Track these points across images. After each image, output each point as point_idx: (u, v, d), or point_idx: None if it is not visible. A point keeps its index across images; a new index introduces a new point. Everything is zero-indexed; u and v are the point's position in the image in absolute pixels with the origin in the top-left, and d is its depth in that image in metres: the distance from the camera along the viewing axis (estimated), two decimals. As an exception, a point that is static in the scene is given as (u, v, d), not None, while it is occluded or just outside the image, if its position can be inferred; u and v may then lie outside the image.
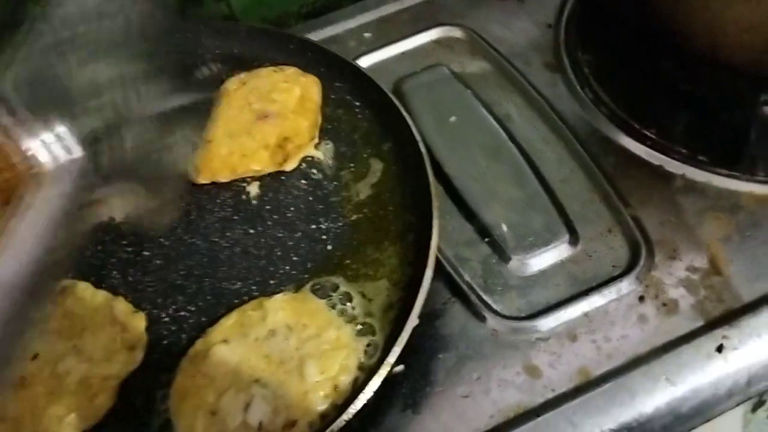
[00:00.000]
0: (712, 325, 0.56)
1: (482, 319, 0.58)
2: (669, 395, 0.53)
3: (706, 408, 0.54)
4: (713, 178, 0.64)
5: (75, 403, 0.49)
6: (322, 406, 0.49)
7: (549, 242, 0.61)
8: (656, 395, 0.53)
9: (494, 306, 0.58)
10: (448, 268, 0.60)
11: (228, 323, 0.53)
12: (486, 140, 0.69)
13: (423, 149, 0.62)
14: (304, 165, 0.64)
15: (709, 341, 0.55)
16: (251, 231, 0.60)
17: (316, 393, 0.49)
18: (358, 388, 0.49)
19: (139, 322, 0.55)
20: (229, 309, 0.55)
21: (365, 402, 0.49)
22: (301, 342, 0.51)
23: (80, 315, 0.54)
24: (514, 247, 0.61)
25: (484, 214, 0.63)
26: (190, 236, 0.60)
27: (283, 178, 0.64)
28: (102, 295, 0.56)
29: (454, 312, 0.59)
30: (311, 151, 0.64)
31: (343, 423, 0.48)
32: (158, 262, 0.59)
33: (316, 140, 0.65)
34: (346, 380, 0.50)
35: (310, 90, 0.67)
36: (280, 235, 0.60)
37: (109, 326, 0.54)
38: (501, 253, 0.61)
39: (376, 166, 0.64)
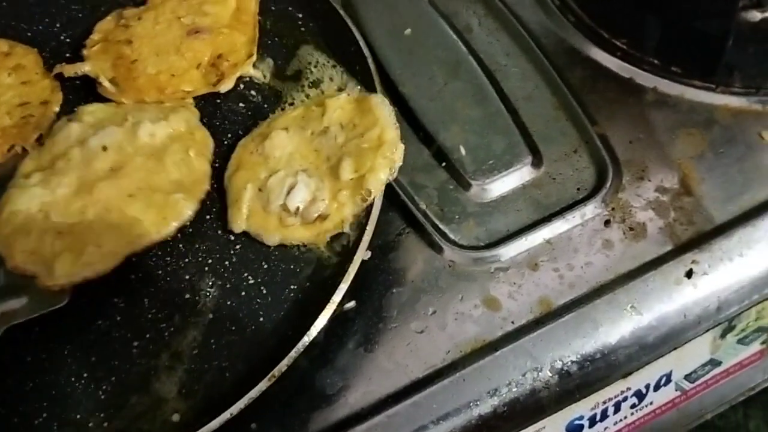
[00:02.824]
0: (681, 249, 0.53)
1: (438, 249, 0.54)
2: (634, 324, 0.50)
3: (674, 336, 0.52)
4: (686, 91, 0.59)
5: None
6: (349, 209, 0.50)
7: (510, 165, 0.57)
8: (621, 325, 0.50)
9: (451, 235, 0.54)
10: (403, 196, 0.56)
11: (293, 114, 0.55)
12: (444, 55, 0.63)
13: (372, 66, 0.56)
14: (241, 86, 0.58)
15: (677, 266, 0.52)
16: (184, 160, 0.55)
17: (348, 191, 0.50)
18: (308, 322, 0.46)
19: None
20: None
21: (312, 340, 0.46)
22: (347, 140, 0.52)
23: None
24: (473, 172, 0.57)
25: (441, 137, 0.58)
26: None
27: (218, 101, 0.57)
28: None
29: (409, 243, 0.55)
30: (249, 71, 0.58)
31: (290, 362, 0.45)
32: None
33: (254, 58, 0.58)
34: (373, 188, 0.50)
35: (246, 1, 0.60)
36: (217, 165, 0.54)
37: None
38: (459, 178, 0.57)
39: (322, 87, 0.58)
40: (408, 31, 0.65)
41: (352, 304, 0.52)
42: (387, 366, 0.50)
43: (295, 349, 0.44)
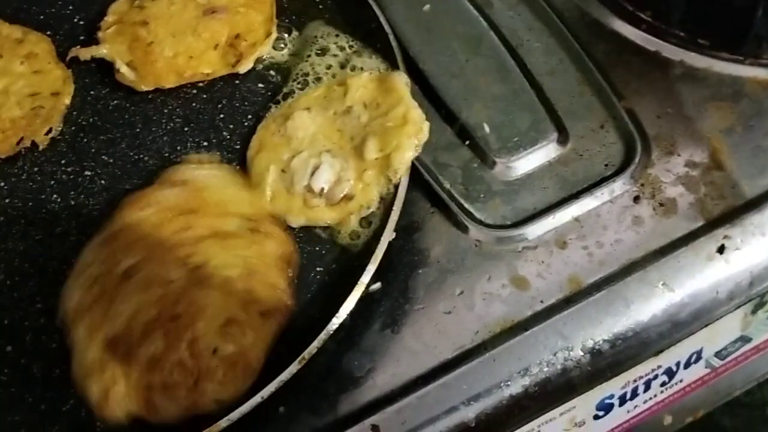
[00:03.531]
0: (712, 224, 0.52)
1: (464, 229, 0.53)
2: (666, 301, 0.50)
3: (706, 312, 0.51)
4: (714, 64, 0.58)
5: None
6: (375, 189, 0.49)
7: (535, 142, 0.56)
8: (652, 302, 0.49)
9: (477, 215, 0.54)
10: (426, 176, 0.55)
11: (314, 94, 0.54)
12: (465, 30, 0.62)
13: (394, 43, 0.55)
14: (260, 66, 0.57)
15: (709, 242, 0.51)
16: (205, 143, 0.54)
17: (373, 171, 0.49)
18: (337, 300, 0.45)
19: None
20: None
21: (340, 324, 0.45)
22: (371, 120, 0.51)
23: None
24: (498, 150, 0.56)
25: (464, 115, 0.57)
26: (137, 152, 0.54)
27: (237, 81, 0.57)
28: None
29: (434, 223, 0.54)
30: (267, 50, 0.57)
31: (320, 345, 0.44)
32: (103, 182, 0.53)
33: (273, 37, 0.57)
34: (399, 166, 0.49)
35: (263, -21, 0.58)
36: (238, 146, 0.53)
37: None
38: (483, 156, 0.56)
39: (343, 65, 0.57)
40: (427, 7, 0.63)
41: (377, 285, 0.51)
42: (415, 347, 0.49)
43: (325, 331, 0.44)
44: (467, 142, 0.57)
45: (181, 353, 0.44)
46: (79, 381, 0.45)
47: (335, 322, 0.44)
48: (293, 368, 0.43)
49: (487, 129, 0.57)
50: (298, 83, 0.56)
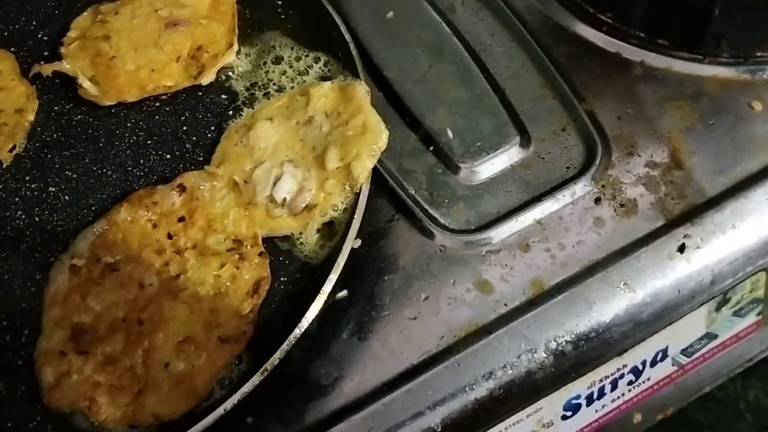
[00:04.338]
0: (673, 224, 0.52)
1: (429, 235, 0.53)
2: (628, 301, 0.50)
3: (668, 312, 0.51)
4: (674, 63, 0.59)
5: None
6: (337, 198, 0.50)
7: (498, 146, 0.56)
8: (614, 302, 0.50)
9: (441, 220, 0.54)
10: (392, 183, 0.55)
11: (277, 104, 0.54)
12: (428, 36, 0.62)
13: (354, 51, 0.55)
14: (222, 77, 0.57)
15: (670, 241, 0.51)
16: (168, 156, 0.54)
17: (334, 180, 0.50)
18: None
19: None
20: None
21: (307, 332, 0.46)
22: (332, 129, 0.52)
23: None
24: (462, 155, 0.56)
25: (428, 121, 0.58)
26: (100, 167, 0.54)
27: (200, 93, 0.57)
28: None
29: (399, 229, 0.54)
30: (230, 61, 0.57)
31: (282, 356, 0.44)
32: (67, 198, 0.53)
33: (235, 48, 0.57)
34: (359, 175, 0.49)
35: (224, -10, 0.59)
36: (201, 159, 0.54)
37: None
38: (447, 161, 0.56)
39: (305, 74, 0.57)
40: (390, 14, 0.64)
41: (344, 293, 0.51)
42: (381, 354, 0.50)
43: (287, 342, 0.44)
44: (431, 148, 0.57)
45: (135, 359, 0.44)
46: (38, 363, 0.46)
47: (297, 332, 0.44)
48: (256, 379, 0.43)
49: (450, 134, 0.57)
50: (261, 93, 0.56)
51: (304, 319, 0.45)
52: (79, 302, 0.47)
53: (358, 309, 0.51)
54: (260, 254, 0.48)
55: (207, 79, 0.56)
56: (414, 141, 0.58)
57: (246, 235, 0.49)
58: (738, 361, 0.60)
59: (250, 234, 0.49)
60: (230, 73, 0.57)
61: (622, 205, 0.53)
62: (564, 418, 0.53)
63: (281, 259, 0.50)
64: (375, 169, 0.54)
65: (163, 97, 0.57)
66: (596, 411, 0.54)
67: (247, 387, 0.43)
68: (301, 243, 0.50)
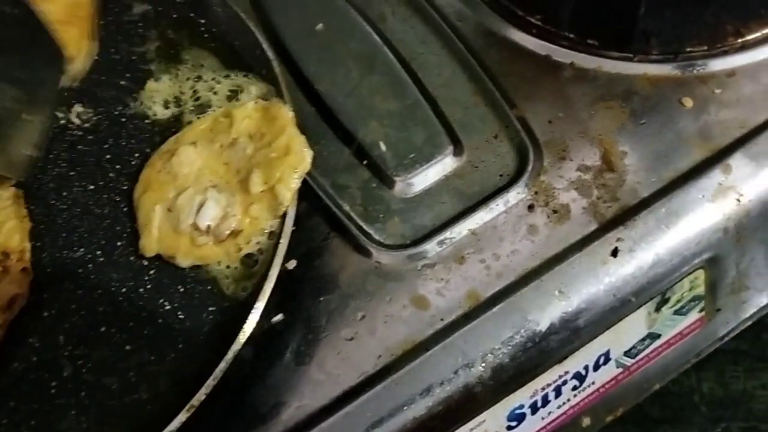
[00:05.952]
0: (605, 227, 0.52)
1: (364, 252, 0.53)
2: (562, 309, 0.50)
3: (605, 317, 0.51)
4: (604, 63, 0.58)
5: None
6: (263, 222, 0.49)
7: (432, 157, 0.55)
8: (549, 311, 0.50)
9: (376, 236, 0.53)
10: (326, 200, 0.54)
11: (201, 127, 0.53)
12: (359, 48, 0.61)
13: (278, 69, 0.54)
14: (147, 102, 0.56)
15: (603, 246, 0.51)
16: (92, 187, 0.53)
17: (259, 204, 0.49)
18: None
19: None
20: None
21: (242, 357, 0.45)
22: (256, 151, 0.51)
23: None
24: (395, 167, 0.55)
25: (360, 134, 0.57)
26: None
27: (123, 119, 0.55)
28: None
29: (334, 248, 0.53)
30: (152, 85, 0.56)
31: (209, 389, 0.43)
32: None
33: (94, 53, 0.55)
34: (283, 198, 0.48)
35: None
36: (125, 187, 0.52)
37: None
38: (381, 175, 0.55)
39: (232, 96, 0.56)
40: (320, 26, 0.63)
41: (279, 317, 0.50)
42: (319, 377, 0.49)
43: (212, 377, 0.43)
44: (365, 162, 0.56)
45: None
46: None
47: (223, 365, 0.43)
48: (182, 417, 0.42)
49: (383, 147, 0.56)
50: (186, 117, 0.55)
51: (229, 352, 0.44)
52: None
53: (294, 332, 0.50)
54: (23, 269, 0.47)
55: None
56: (348, 156, 0.57)
57: (14, 249, 0.47)
58: (686, 357, 0.60)
59: (20, 248, 0.47)
60: (153, 97, 0.56)
61: (555, 211, 0.53)
62: (509, 428, 0.52)
63: (209, 288, 0.49)
64: (309, 187, 0.53)
65: (86, 126, 0.55)
66: (542, 418, 0.54)
67: (174, 425, 0.42)
68: (228, 270, 0.49)
